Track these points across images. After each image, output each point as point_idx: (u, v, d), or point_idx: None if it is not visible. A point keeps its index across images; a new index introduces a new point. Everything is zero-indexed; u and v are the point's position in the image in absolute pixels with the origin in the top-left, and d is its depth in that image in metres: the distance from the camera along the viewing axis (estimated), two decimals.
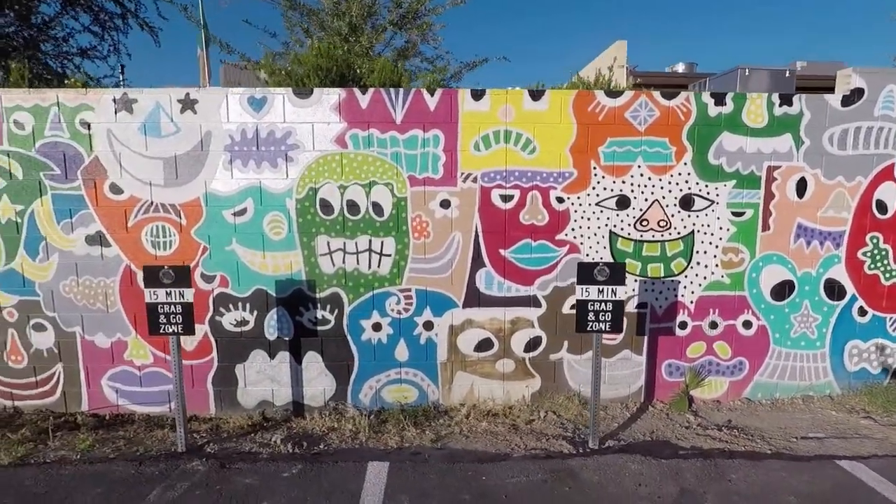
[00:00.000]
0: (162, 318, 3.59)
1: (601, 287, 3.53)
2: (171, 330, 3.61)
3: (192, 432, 4.07)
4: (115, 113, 4.09)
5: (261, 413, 4.40)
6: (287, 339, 4.34)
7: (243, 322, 4.31)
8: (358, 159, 4.16)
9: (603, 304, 3.54)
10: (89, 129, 4.10)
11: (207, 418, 4.37)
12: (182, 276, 3.56)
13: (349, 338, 4.35)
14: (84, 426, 4.11)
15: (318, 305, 4.30)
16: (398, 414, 4.22)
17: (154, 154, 4.13)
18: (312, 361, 4.38)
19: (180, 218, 4.19)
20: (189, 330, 3.62)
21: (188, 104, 4.08)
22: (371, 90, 4.12)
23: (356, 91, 4.12)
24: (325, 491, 3.09)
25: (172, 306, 3.57)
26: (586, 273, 3.53)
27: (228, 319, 4.30)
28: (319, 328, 4.33)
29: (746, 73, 6.97)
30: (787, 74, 7.06)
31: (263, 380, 4.39)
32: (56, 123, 4.09)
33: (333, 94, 4.11)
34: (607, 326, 3.56)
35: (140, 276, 4.23)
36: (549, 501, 2.97)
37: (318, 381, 4.40)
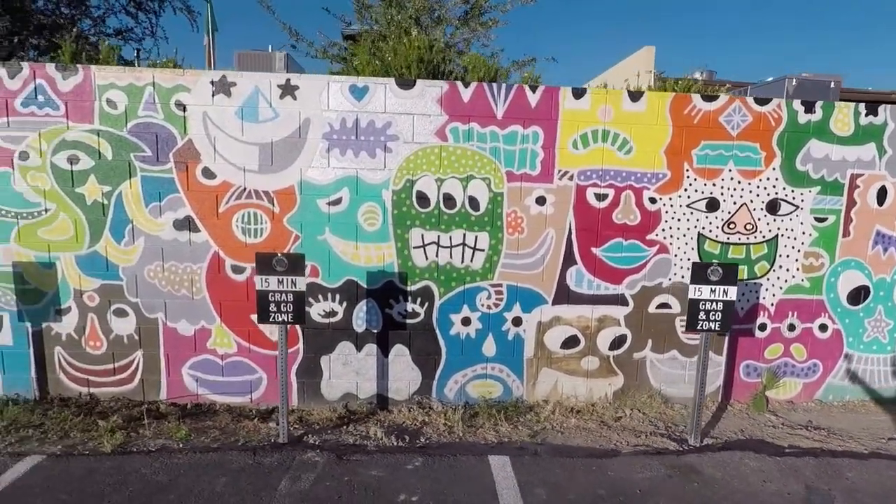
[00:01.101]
0: (272, 307, 3.53)
1: (713, 287, 3.58)
2: (280, 319, 3.55)
3: (274, 422, 4.00)
4: (213, 96, 4.00)
5: (344, 405, 4.36)
6: (375, 331, 4.30)
7: (332, 313, 4.25)
8: (457, 153, 4.14)
9: (714, 303, 3.60)
10: (184, 110, 4.00)
11: (290, 409, 4.29)
12: (296, 264, 3.50)
13: (438, 332, 4.34)
14: (171, 415, 4.01)
15: (409, 298, 4.28)
16: (488, 409, 4.22)
17: (250, 139, 4.05)
18: (399, 355, 4.35)
19: (273, 205, 4.12)
20: (300, 319, 3.56)
21: (288, 90, 4.02)
22: (473, 84, 4.11)
23: (459, 84, 4.10)
24: (459, 483, 3.07)
25: (284, 294, 3.52)
26: (700, 273, 3.58)
27: (317, 310, 4.24)
28: (409, 321, 4.31)
29: (794, 83, 7.14)
30: (832, 85, 7.26)
31: (349, 372, 4.34)
32: (150, 104, 3.99)
33: (436, 87, 4.08)
34: (717, 326, 3.62)
35: (228, 263, 4.16)
36: (682, 496, 3.01)
37: (404, 375, 4.37)
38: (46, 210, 4.05)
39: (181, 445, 3.54)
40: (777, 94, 7.25)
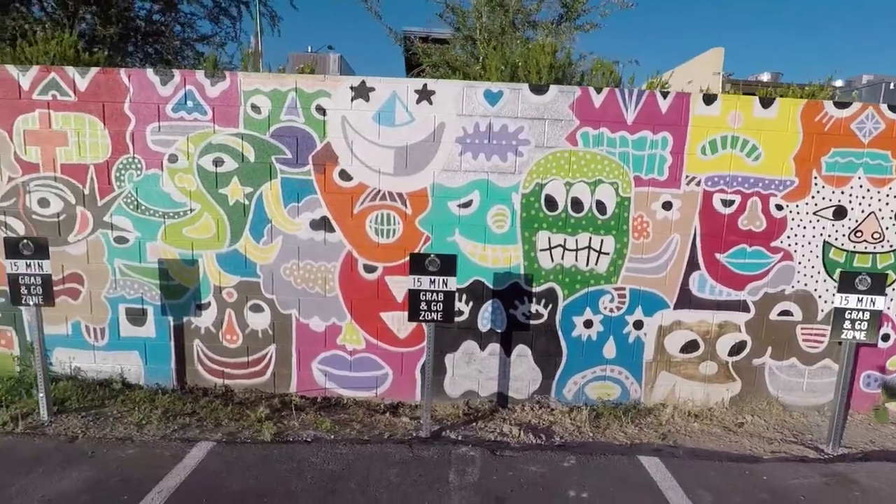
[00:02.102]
0: (423, 306, 3.65)
1: (860, 296, 3.58)
2: (430, 317, 3.67)
3: (413, 418, 4.14)
4: (352, 100, 4.13)
5: (465, 403, 4.47)
6: (499, 331, 4.40)
7: (458, 312, 4.36)
8: (586, 157, 4.21)
9: (860, 312, 3.60)
10: (324, 115, 4.15)
11: (413, 405, 4.43)
12: (447, 265, 3.61)
13: (560, 333, 4.41)
14: (307, 408, 4.17)
15: (534, 300, 4.36)
16: (612, 410, 4.29)
17: (386, 143, 4.18)
18: (522, 355, 4.44)
19: (406, 207, 4.24)
20: (449, 318, 3.68)
21: (425, 95, 4.13)
22: (605, 90, 4.16)
23: (591, 90, 4.16)
24: (620, 482, 3.15)
25: (435, 294, 3.63)
26: (848, 281, 3.58)
27: None
28: (532, 322, 4.39)
29: (892, 87, 7.00)
30: None
31: (471, 370, 4.45)
32: (292, 108, 4.14)
33: (569, 93, 4.15)
34: (863, 336, 3.62)
35: (361, 262, 4.30)
36: None
37: (525, 375, 4.47)
38: (191, 210, 4.24)
39: (333, 437, 3.69)
40: (871, 100, 7.13)
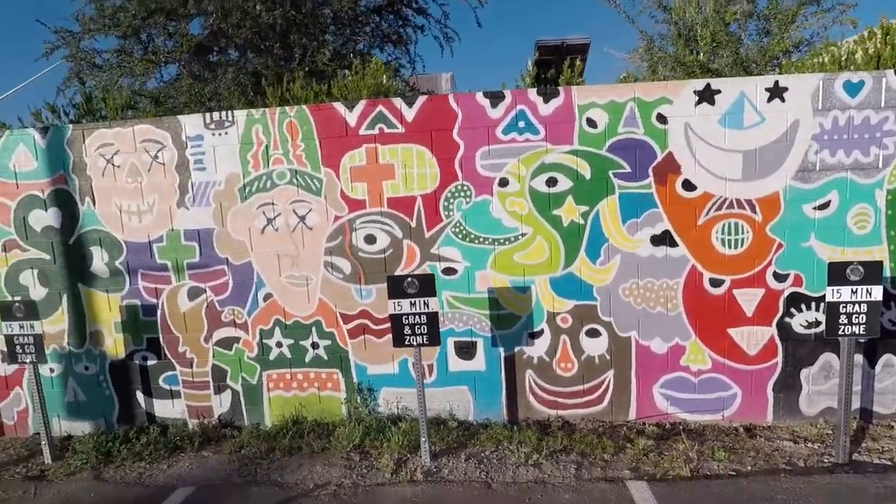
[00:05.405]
0: (842, 319, 3.33)
1: None
2: (850, 331, 3.34)
3: (793, 441, 3.79)
4: (695, 105, 3.88)
5: (824, 421, 4.09)
6: (861, 340, 4.01)
7: (815, 323, 4.01)
8: None
9: None
10: (665, 123, 3.90)
11: (767, 426, 4.09)
12: (872, 273, 3.28)
13: None
14: (668, 435, 3.89)
15: None
16: None
17: (732, 147, 3.90)
18: (888, 365, 4.05)
19: (755, 213, 3.94)
20: (874, 331, 3.34)
21: (776, 92, 3.83)
22: None
23: None
24: None
25: (857, 305, 3.30)
26: None
27: (798, 321, 4.01)
28: None
29: None
30: None
31: (830, 386, 4.07)
32: (630, 119, 3.92)
33: None
34: None
35: (706, 276, 4.01)
36: None
37: (892, 387, 4.06)
38: (522, 234, 4.06)
39: (749, 468, 3.40)
40: None
